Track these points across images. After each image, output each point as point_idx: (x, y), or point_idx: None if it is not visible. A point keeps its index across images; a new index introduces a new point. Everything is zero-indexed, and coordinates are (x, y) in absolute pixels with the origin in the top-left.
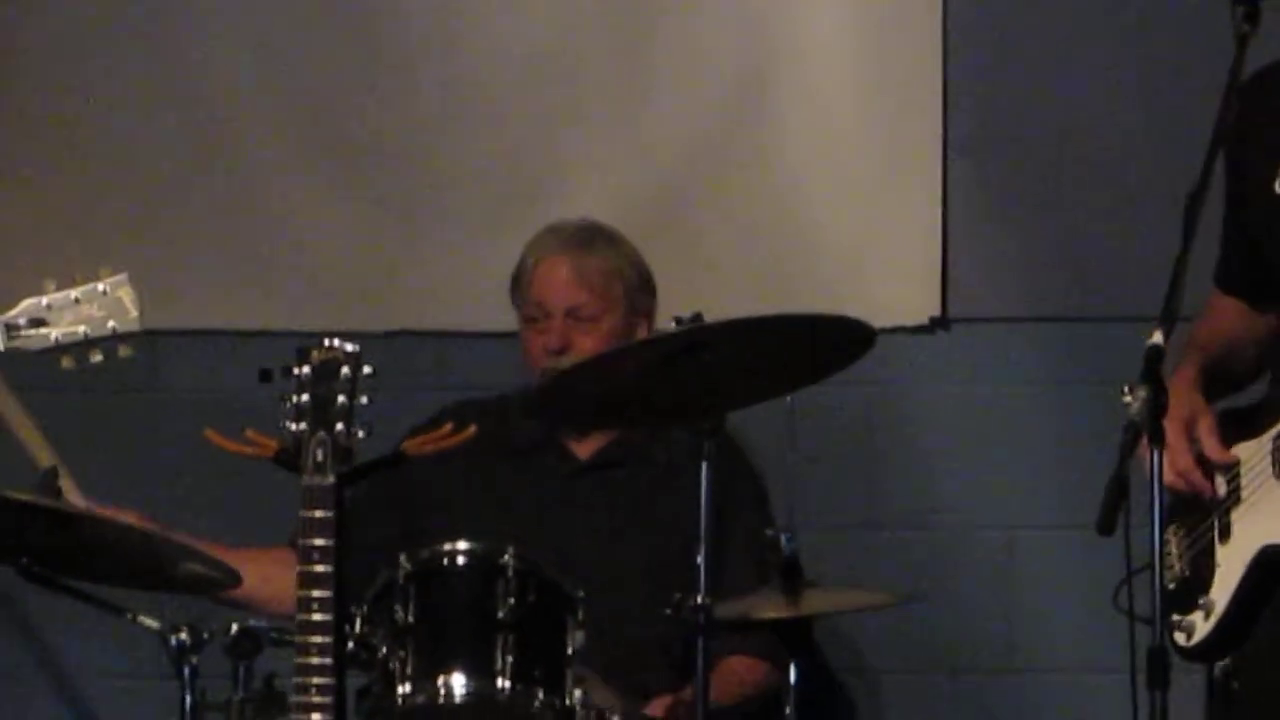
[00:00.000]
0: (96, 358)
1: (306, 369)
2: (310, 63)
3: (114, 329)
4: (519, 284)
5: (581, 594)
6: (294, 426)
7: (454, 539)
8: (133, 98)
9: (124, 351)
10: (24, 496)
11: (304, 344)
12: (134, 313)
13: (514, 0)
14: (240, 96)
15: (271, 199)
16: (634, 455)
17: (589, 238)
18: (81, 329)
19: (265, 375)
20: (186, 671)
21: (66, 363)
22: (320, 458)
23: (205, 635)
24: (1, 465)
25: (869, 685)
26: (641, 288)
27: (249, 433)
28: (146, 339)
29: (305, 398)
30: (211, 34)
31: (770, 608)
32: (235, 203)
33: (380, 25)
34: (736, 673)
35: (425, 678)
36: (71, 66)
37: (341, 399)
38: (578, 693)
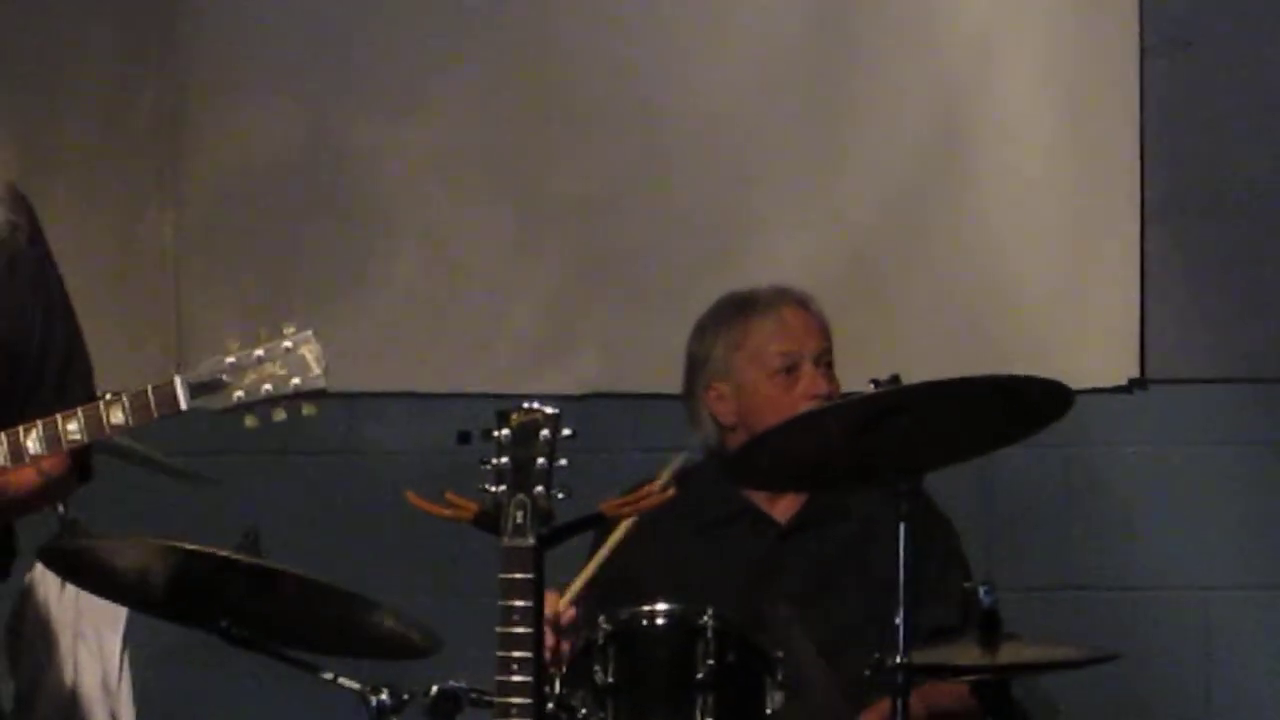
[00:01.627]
0: (280, 416)
1: (506, 431)
2: (507, 126)
3: (297, 387)
4: (748, 343)
5: (780, 654)
6: (494, 489)
7: (653, 600)
8: (327, 158)
9: (307, 410)
10: (226, 554)
11: (502, 407)
12: (317, 370)
13: (708, 62)
14: (437, 159)
15: (469, 262)
16: (830, 516)
17: (806, 294)
18: (265, 387)
19: (464, 437)
20: None
21: (250, 421)
22: (520, 519)
23: (405, 696)
24: (201, 526)
25: None
26: None
27: (449, 495)
28: (345, 401)
29: (505, 460)
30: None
31: (968, 657)
32: (431, 266)
33: (576, 87)
34: (938, 689)
35: None
36: (265, 125)
37: (541, 461)
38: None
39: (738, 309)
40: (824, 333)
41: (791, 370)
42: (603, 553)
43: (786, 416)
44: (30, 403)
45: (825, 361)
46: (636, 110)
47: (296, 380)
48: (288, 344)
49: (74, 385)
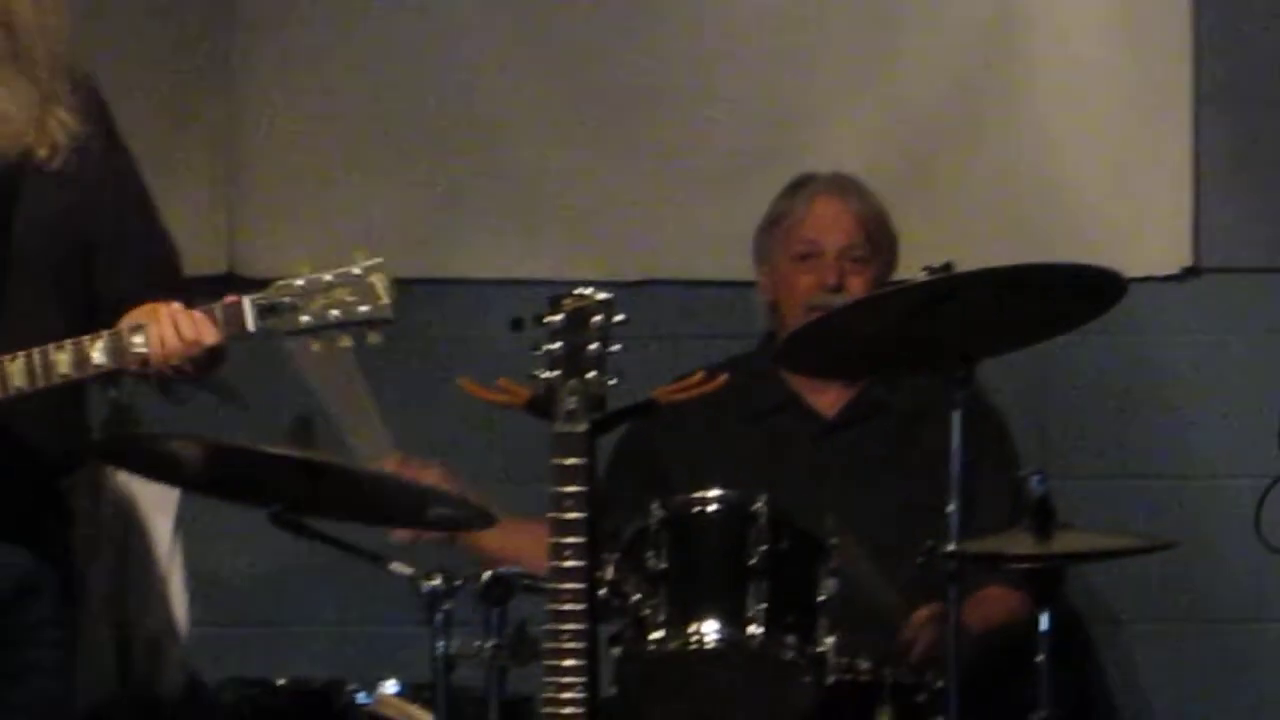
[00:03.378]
0: (345, 343)
1: (559, 317)
2: (566, 13)
3: (365, 314)
4: (781, 224)
5: (834, 541)
6: (546, 374)
7: (705, 487)
8: (392, 50)
9: (373, 338)
10: (274, 448)
11: (556, 292)
12: (386, 299)
13: None
14: (498, 47)
15: (525, 149)
16: (877, 408)
17: (855, 185)
18: (333, 313)
19: (517, 323)
20: (439, 618)
21: (316, 346)
22: (572, 405)
23: (458, 582)
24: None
25: (1119, 634)
26: (893, 246)
27: (502, 381)
28: (399, 288)
29: (558, 345)
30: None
31: (1021, 547)
32: (490, 152)
33: None
34: (991, 599)
35: (677, 624)
36: (331, 28)
37: (594, 347)
38: (829, 639)
39: (787, 191)
40: (858, 227)
41: (808, 258)
42: None
43: (797, 303)
44: (110, 292)
45: (852, 256)
46: (691, 1)
47: (365, 308)
48: (357, 270)
49: (154, 273)
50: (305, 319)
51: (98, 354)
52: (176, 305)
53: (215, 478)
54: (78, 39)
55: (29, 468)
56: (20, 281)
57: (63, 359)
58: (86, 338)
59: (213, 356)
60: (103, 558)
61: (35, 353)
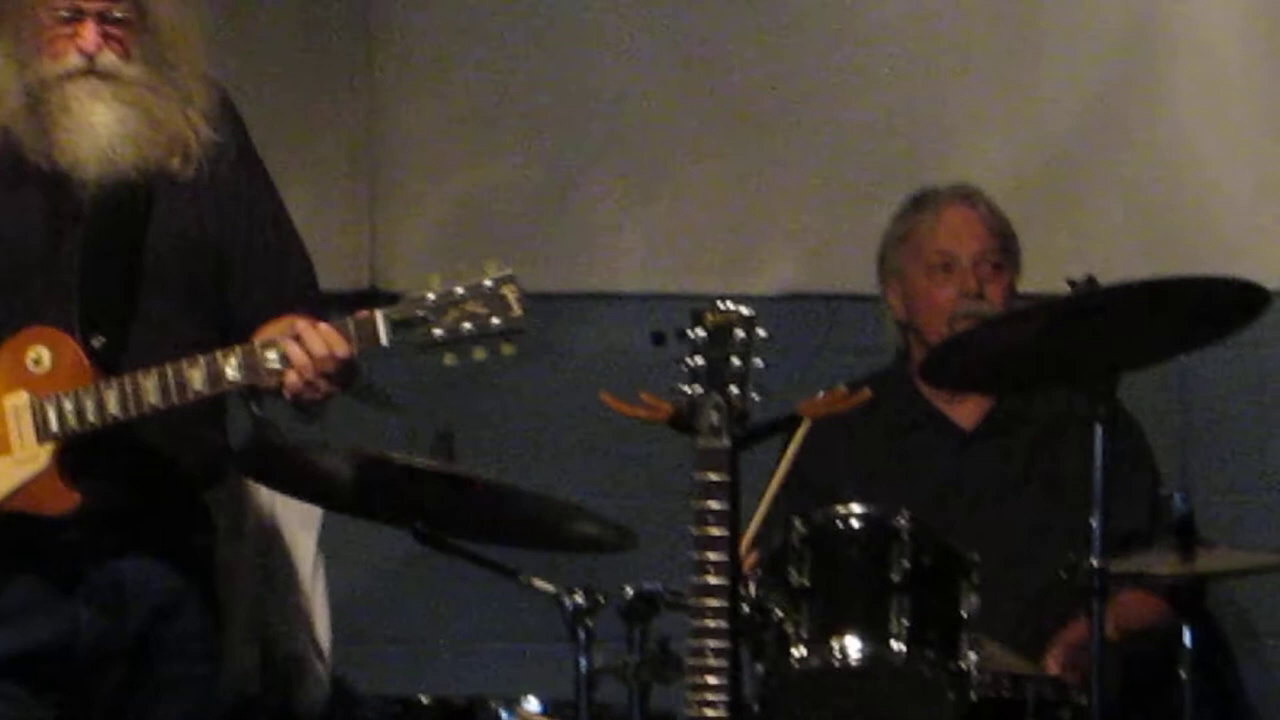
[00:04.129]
0: (479, 355)
1: (701, 332)
2: (701, 32)
3: (498, 327)
4: (911, 238)
5: (976, 557)
6: (689, 389)
7: (847, 502)
8: (529, 68)
9: (507, 349)
10: (418, 461)
11: (698, 307)
12: (518, 311)
13: None
14: (639, 61)
15: (665, 162)
16: (1015, 421)
17: (980, 193)
18: (466, 326)
19: (659, 338)
20: (582, 634)
21: (449, 359)
22: (715, 420)
23: (600, 598)
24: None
25: (1261, 650)
26: (1019, 255)
27: (644, 396)
28: (541, 302)
29: (700, 360)
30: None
31: (1164, 565)
32: (627, 170)
33: None
34: (1130, 605)
35: (820, 640)
36: (472, 50)
37: (736, 361)
38: (972, 655)
39: (910, 206)
40: (991, 234)
41: (948, 268)
42: (775, 482)
43: (938, 315)
44: (244, 308)
45: (989, 263)
46: (830, 12)
47: (497, 320)
48: (489, 282)
49: (288, 289)
50: (438, 332)
51: (231, 370)
52: (308, 321)
53: (359, 492)
54: (216, 48)
55: (172, 482)
56: (154, 295)
57: (196, 375)
58: (220, 353)
59: (346, 371)
60: (245, 572)
61: (169, 368)
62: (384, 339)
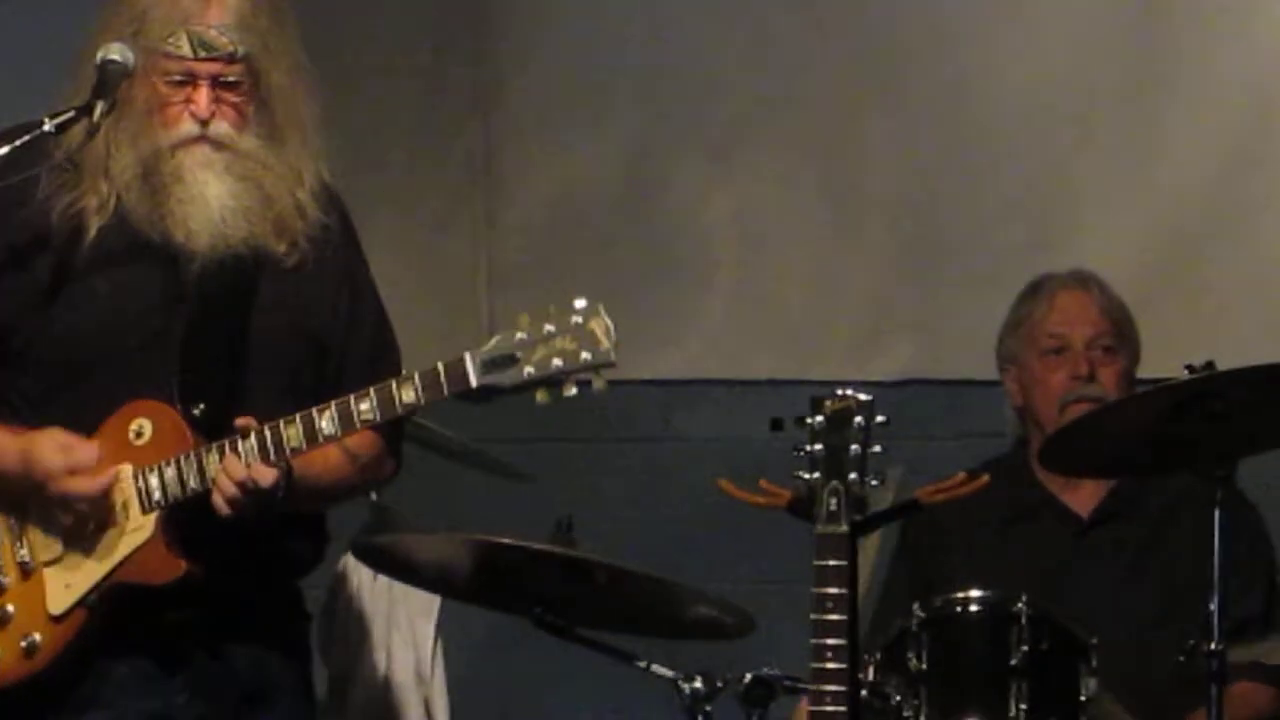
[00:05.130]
0: (571, 392)
1: (819, 418)
2: (825, 119)
3: (587, 361)
4: (1025, 324)
5: (1094, 640)
6: (807, 475)
7: (966, 588)
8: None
9: (598, 384)
10: (538, 547)
11: (816, 393)
12: (607, 344)
13: (1024, 46)
14: (751, 139)
15: (780, 248)
16: (1132, 505)
17: (1095, 278)
18: (555, 362)
19: (777, 424)
20: None
21: (541, 397)
22: (834, 506)
23: (719, 684)
24: (514, 514)
25: None
26: (1137, 338)
27: (762, 482)
28: (660, 389)
29: (818, 447)
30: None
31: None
32: (749, 257)
33: (892, 77)
34: (1245, 695)
35: None
36: (567, 112)
37: (855, 448)
38: None
39: (1027, 291)
40: (1104, 318)
41: (1060, 352)
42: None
43: (1051, 399)
44: (338, 395)
45: (1101, 346)
46: (953, 97)
47: (587, 355)
48: (577, 318)
49: (382, 378)
50: (529, 370)
51: (325, 423)
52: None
53: (477, 579)
54: (327, 127)
55: (274, 565)
56: (258, 376)
57: (293, 433)
58: (315, 409)
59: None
60: (340, 655)
61: (266, 429)
62: (473, 380)
